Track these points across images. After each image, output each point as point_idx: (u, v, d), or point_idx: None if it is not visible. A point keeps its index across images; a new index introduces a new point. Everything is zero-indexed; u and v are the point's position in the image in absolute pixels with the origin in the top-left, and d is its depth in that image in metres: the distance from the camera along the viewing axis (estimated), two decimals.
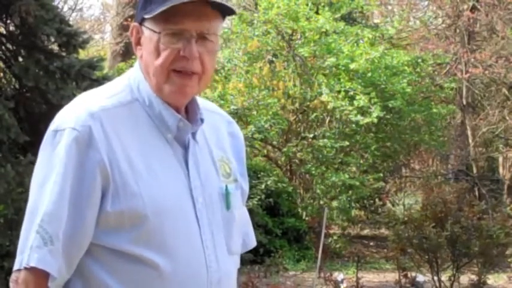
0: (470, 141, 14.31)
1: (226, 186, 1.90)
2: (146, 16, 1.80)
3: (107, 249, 1.76)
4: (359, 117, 10.67)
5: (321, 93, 11.20)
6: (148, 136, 1.81)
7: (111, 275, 1.76)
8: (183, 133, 1.85)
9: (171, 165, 1.82)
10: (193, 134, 1.87)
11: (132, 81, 1.87)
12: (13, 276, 1.76)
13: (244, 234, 2.01)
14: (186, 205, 1.81)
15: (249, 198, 8.96)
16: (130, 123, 1.81)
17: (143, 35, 1.83)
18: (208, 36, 1.80)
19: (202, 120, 1.88)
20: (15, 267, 1.75)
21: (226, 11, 1.84)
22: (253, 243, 2.07)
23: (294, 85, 11.93)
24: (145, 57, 1.83)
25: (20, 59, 6.69)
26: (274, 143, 12.27)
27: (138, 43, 1.85)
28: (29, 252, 1.72)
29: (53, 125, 1.80)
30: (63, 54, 6.58)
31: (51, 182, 1.73)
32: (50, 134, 1.79)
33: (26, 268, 1.72)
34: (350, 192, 11.42)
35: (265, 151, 12.47)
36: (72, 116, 1.77)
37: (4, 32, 6.83)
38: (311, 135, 11.78)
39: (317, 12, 11.89)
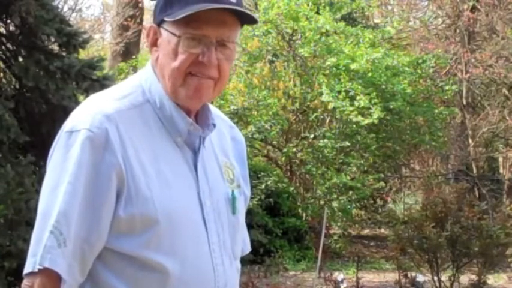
0: (470, 141, 14.31)
1: (232, 191, 1.91)
2: (167, 19, 1.79)
3: (116, 253, 1.76)
4: (359, 118, 10.66)
5: (321, 94, 11.19)
6: (158, 139, 1.81)
7: (119, 279, 1.76)
8: (193, 137, 1.85)
9: (181, 168, 1.82)
10: (203, 138, 1.87)
11: (143, 82, 1.86)
12: (26, 282, 1.73)
13: (242, 239, 2.01)
14: (195, 209, 1.82)
15: (249, 198, 8.94)
16: (142, 125, 1.80)
17: (161, 36, 1.82)
18: (227, 43, 1.80)
19: (214, 126, 1.89)
20: (27, 270, 1.73)
21: (245, 19, 1.84)
22: (248, 248, 2.08)
23: (294, 85, 11.93)
24: (161, 59, 1.82)
25: (20, 59, 6.69)
26: (274, 143, 12.27)
27: (155, 44, 1.84)
28: (41, 252, 1.71)
29: (66, 127, 1.78)
30: (63, 54, 6.58)
31: (65, 183, 1.71)
32: (63, 135, 1.77)
33: (40, 271, 1.70)
34: (350, 192, 11.42)
35: (265, 151, 12.47)
36: (87, 117, 1.75)
37: (4, 32, 6.83)
38: (311, 136, 11.78)
39: (317, 13, 11.88)
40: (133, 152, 1.76)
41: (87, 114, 1.76)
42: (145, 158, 1.77)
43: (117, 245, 1.75)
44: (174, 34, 1.79)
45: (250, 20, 1.85)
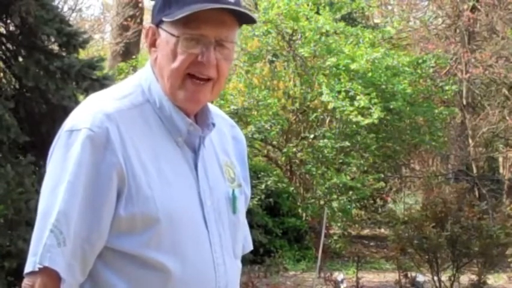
0: (470, 141, 14.31)
1: (233, 190, 1.91)
2: (165, 19, 1.79)
3: (117, 252, 1.76)
4: (359, 118, 10.66)
5: (321, 94, 11.19)
6: (158, 138, 1.81)
7: (120, 278, 1.76)
8: (193, 137, 1.85)
9: (181, 168, 1.82)
10: (203, 138, 1.87)
11: (143, 82, 1.86)
12: (27, 281, 1.73)
13: (243, 238, 2.02)
14: (195, 208, 1.82)
15: (249, 198, 8.94)
16: (142, 125, 1.80)
17: (160, 37, 1.82)
18: (225, 43, 1.80)
19: (214, 125, 1.89)
20: (27, 269, 1.73)
21: (243, 19, 1.83)
22: (250, 246, 2.08)
23: (294, 85, 11.93)
24: (160, 59, 1.82)
25: (20, 59, 6.69)
26: (274, 143, 12.26)
27: (153, 45, 1.84)
28: (41, 251, 1.70)
29: (66, 126, 1.78)
30: (63, 54, 6.58)
31: (65, 182, 1.71)
32: (64, 134, 1.77)
33: (40, 270, 1.70)
34: (350, 192, 11.42)
35: (265, 151, 12.47)
36: (88, 117, 1.75)
37: (4, 32, 6.83)
38: (311, 136, 11.78)
39: (317, 13, 11.88)
40: (134, 151, 1.75)
41: (88, 113, 1.76)
42: (146, 157, 1.77)
43: (118, 244, 1.75)
44: (172, 35, 1.78)
45: (249, 20, 1.84)
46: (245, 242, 2.03)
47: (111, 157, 1.72)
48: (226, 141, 1.98)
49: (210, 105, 1.95)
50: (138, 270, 1.75)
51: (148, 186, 1.75)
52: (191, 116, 1.85)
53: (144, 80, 1.86)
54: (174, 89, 1.80)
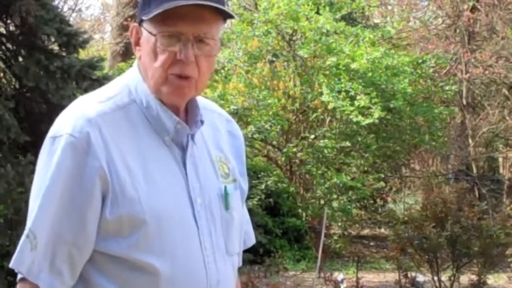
0: (470, 141, 14.31)
1: (225, 187, 1.88)
2: (144, 18, 1.78)
3: (106, 256, 1.75)
4: (360, 118, 10.66)
5: (321, 94, 11.19)
6: (145, 139, 1.80)
7: (110, 281, 1.75)
8: (181, 135, 1.83)
9: (169, 167, 1.81)
10: (192, 135, 1.85)
11: (130, 82, 1.85)
12: (19, 287, 1.77)
13: (244, 233, 2.01)
14: (184, 207, 1.80)
15: (249, 198, 8.93)
16: (128, 126, 1.79)
17: (142, 36, 1.82)
18: (205, 39, 1.77)
19: (202, 122, 1.87)
20: (19, 276, 1.77)
21: (226, 14, 1.81)
22: (252, 241, 2.06)
23: (294, 85, 11.93)
24: (143, 58, 1.82)
25: (20, 59, 6.69)
26: (274, 143, 12.27)
27: (138, 44, 1.84)
28: (16, 256, 1.76)
29: (51, 132, 1.78)
30: (64, 54, 6.58)
31: (44, 187, 1.73)
32: (48, 141, 1.78)
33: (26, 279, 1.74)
34: (350, 192, 11.42)
35: (265, 151, 12.47)
36: (69, 122, 1.75)
37: (4, 32, 6.83)
38: (311, 136, 11.78)
39: (318, 13, 11.88)
40: (118, 154, 1.74)
41: (70, 119, 1.76)
42: (131, 159, 1.76)
43: (107, 247, 1.75)
44: (151, 33, 1.78)
45: (230, 15, 1.82)
46: (246, 236, 2.02)
47: (93, 161, 1.71)
48: (220, 137, 1.96)
49: (204, 101, 1.94)
50: (127, 273, 1.74)
51: (133, 188, 1.73)
52: (181, 114, 1.84)
53: (131, 80, 1.85)
54: (158, 86, 1.79)
